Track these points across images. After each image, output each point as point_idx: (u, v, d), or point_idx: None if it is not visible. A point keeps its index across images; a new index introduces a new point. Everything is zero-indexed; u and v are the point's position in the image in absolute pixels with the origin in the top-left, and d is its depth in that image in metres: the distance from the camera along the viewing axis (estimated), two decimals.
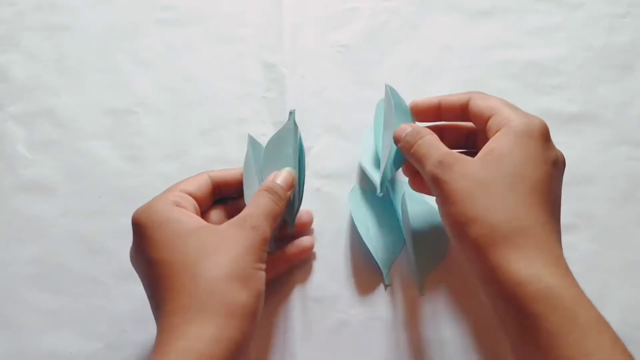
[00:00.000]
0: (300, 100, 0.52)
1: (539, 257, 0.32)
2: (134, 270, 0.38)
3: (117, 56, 0.54)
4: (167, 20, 0.55)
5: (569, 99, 0.52)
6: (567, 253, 0.46)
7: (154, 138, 0.51)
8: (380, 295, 0.45)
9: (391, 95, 0.42)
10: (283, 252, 0.44)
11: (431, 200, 0.47)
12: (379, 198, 0.47)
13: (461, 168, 0.35)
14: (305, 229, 0.46)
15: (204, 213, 0.40)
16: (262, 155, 0.43)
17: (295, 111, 0.42)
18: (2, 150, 0.50)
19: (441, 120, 0.42)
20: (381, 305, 0.45)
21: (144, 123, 0.51)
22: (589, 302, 0.32)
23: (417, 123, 0.42)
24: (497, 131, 0.36)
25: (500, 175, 0.34)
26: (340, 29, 0.55)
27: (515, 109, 0.37)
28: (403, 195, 0.45)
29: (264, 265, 0.35)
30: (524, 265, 0.32)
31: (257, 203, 0.38)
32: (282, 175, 0.40)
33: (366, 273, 0.46)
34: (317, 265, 0.46)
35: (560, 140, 0.50)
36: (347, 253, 0.46)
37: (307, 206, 0.48)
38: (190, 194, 0.39)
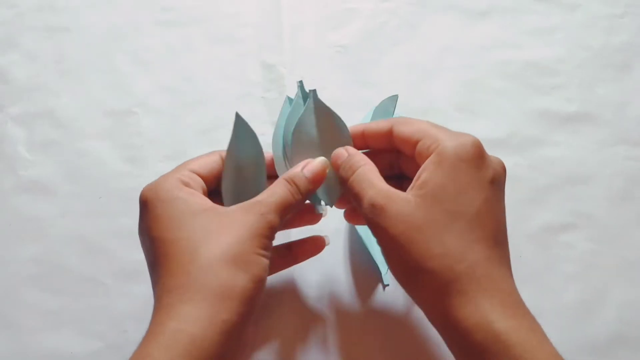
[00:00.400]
0: None
1: (486, 301, 0.31)
2: (134, 270, 0.38)
3: (117, 57, 0.54)
4: (167, 21, 0.55)
5: (567, 99, 0.52)
6: (565, 252, 0.47)
7: (154, 138, 0.51)
8: (379, 295, 0.45)
9: (314, 100, 0.40)
10: (294, 246, 0.42)
11: None
12: None
13: (396, 211, 0.33)
14: (308, 255, 0.43)
15: (212, 193, 0.38)
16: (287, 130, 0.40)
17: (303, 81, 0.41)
18: (3, 151, 0.50)
19: (369, 149, 0.40)
20: (380, 305, 0.45)
21: (144, 124, 0.51)
22: (539, 342, 0.30)
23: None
24: (426, 156, 0.34)
25: (437, 213, 0.32)
26: (339, 30, 0.55)
27: (443, 129, 0.35)
28: None
29: (267, 253, 0.34)
30: (471, 313, 0.31)
31: (273, 191, 0.36)
32: (310, 166, 0.37)
33: (365, 273, 0.46)
34: (316, 265, 0.46)
35: (558, 140, 0.51)
36: (346, 253, 0.47)
37: None
38: (199, 174, 0.37)
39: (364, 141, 0.39)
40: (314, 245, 0.43)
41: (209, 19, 0.56)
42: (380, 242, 0.35)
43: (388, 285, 0.45)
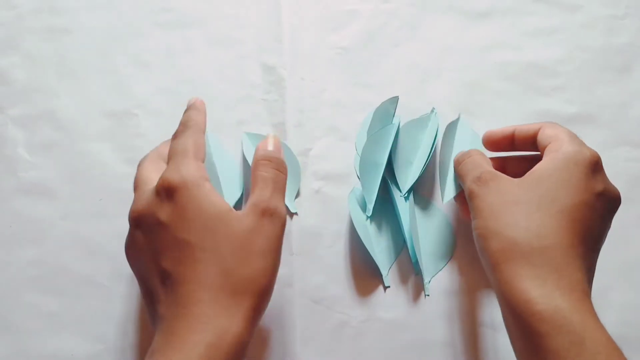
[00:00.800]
0: (299, 102, 0.52)
1: (553, 279, 0.32)
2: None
3: (117, 58, 0.54)
4: (167, 23, 0.55)
5: (568, 100, 0.52)
6: None
7: (154, 140, 0.51)
8: (380, 297, 0.45)
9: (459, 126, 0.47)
10: None
11: (438, 203, 0.48)
12: (380, 200, 0.47)
13: (496, 185, 0.36)
14: None
15: None
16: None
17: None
18: (3, 153, 0.50)
19: (515, 150, 0.43)
20: (381, 307, 0.45)
21: (144, 125, 0.51)
22: (600, 327, 0.31)
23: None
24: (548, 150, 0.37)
25: (533, 195, 0.34)
26: (339, 31, 0.55)
27: (574, 138, 0.37)
28: (411, 196, 0.46)
29: (280, 255, 0.36)
30: (536, 285, 0.32)
31: (265, 178, 0.36)
32: (269, 142, 0.39)
33: (366, 274, 0.46)
34: (317, 266, 0.46)
35: None
36: (347, 254, 0.47)
37: (307, 207, 0.48)
38: (202, 161, 0.37)
39: (512, 142, 0.42)
40: None
41: (209, 21, 0.56)
42: (471, 210, 0.37)
43: (389, 287, 0.45)
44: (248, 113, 0.52)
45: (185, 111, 0.41)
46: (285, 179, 0.37)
